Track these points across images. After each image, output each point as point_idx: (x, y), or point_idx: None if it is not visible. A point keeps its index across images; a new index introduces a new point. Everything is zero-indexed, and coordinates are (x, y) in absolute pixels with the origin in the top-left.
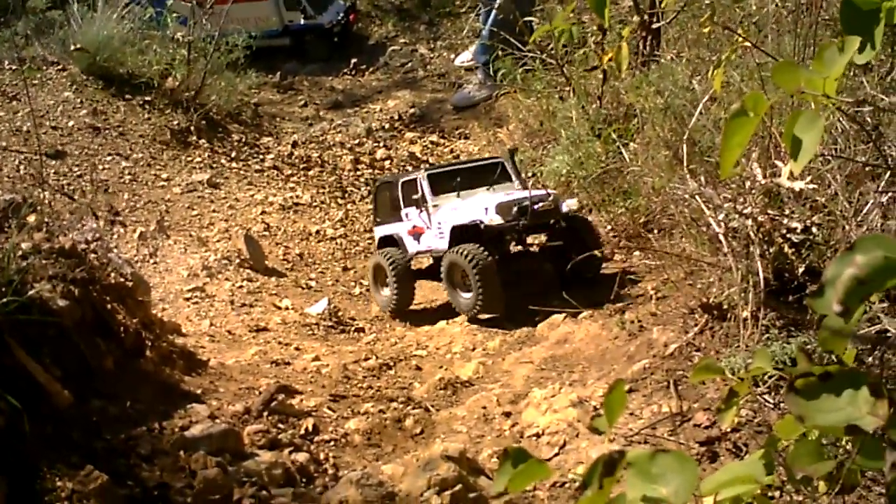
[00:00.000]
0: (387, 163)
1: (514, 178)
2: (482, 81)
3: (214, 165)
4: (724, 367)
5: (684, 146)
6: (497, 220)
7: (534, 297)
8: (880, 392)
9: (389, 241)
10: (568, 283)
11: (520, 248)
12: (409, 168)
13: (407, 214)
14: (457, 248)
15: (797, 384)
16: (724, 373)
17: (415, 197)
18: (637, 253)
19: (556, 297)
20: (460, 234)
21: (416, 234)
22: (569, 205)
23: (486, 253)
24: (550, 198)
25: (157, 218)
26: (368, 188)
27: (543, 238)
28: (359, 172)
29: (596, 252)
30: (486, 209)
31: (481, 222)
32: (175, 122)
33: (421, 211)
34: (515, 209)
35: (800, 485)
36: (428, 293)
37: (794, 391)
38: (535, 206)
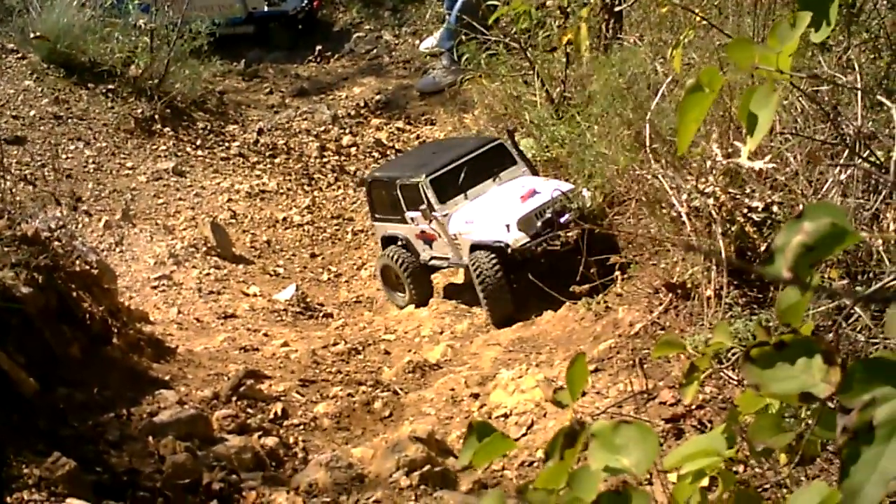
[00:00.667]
0: (353, 149)
1: (518, 160)
2: (447, 67)
3: (180, 153)
4: (689, 344)
5: (647, 127)
6: (521, 239)
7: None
8: (833, 360)
9: (394, 240)
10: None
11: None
12: (377, 156)
13: (413, 219)
14: (471, 260)
15: (752, 354)
16: (686, 348)
17: (421, 207)
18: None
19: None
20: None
21: (427, 239)
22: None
23: (496, 269)
24: (573, 202)
25: (122, 207)
26: (335, 175)
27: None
28: (325, 159)
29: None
30: (508, 226)
31: (507, 245)
32: (139, 111)
33: (430, 221)
34: (540, 223)
35: (761, 457)
36: None
37: (750, 361)
38: (562, 219)
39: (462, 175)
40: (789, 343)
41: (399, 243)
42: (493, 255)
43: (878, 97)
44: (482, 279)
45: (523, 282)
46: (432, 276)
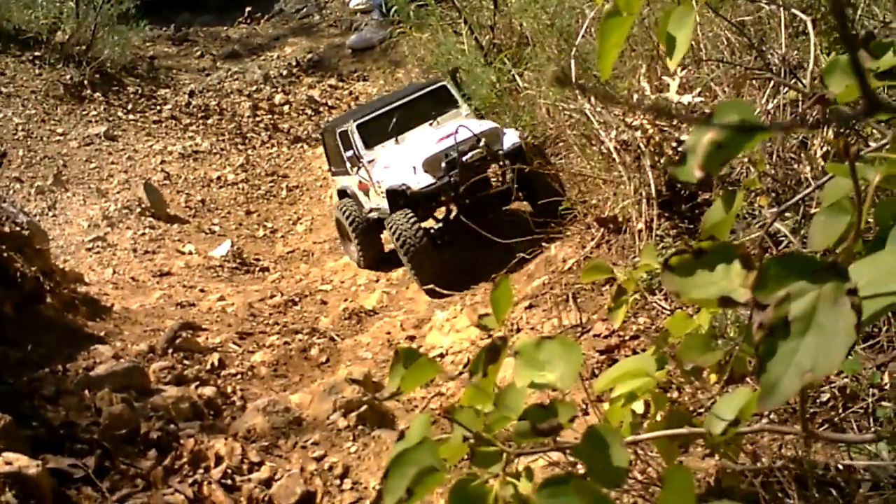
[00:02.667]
0: (286, 107)
1: (460, 102)
2: (378, 22)
3: (111, 118)
4: (618, 272)
5: (572, 63)
6: (425, 180)
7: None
8: (751, 264)
9: (345, 193)
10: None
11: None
12: (310, 113)
13: (352, 167)
14: (388, 221)
15: (672, 262)
16: (613, 272)
17: (348, 153)
18: None
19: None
20: (397, 197)
21: (364, 189)
22: (512, 138)
23: (415, 228)
24: (482, 141)
25: (53, 172)
26: (268, 133)
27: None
28: (258, 118)
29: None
30: (414, 168)
31: (407, 188)
32: (68, 77)
33: (358, 168)
34: (444, 163)
35: (691, 377)
36: (332, 231)
37: (670, 269)
38: (465, 158)
39: (394, 119)
40: (708, 250)
41: (349, 196)
42: (411, 214)
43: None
44: (402, 241)
45: (459, 240)
46: (383, 236)
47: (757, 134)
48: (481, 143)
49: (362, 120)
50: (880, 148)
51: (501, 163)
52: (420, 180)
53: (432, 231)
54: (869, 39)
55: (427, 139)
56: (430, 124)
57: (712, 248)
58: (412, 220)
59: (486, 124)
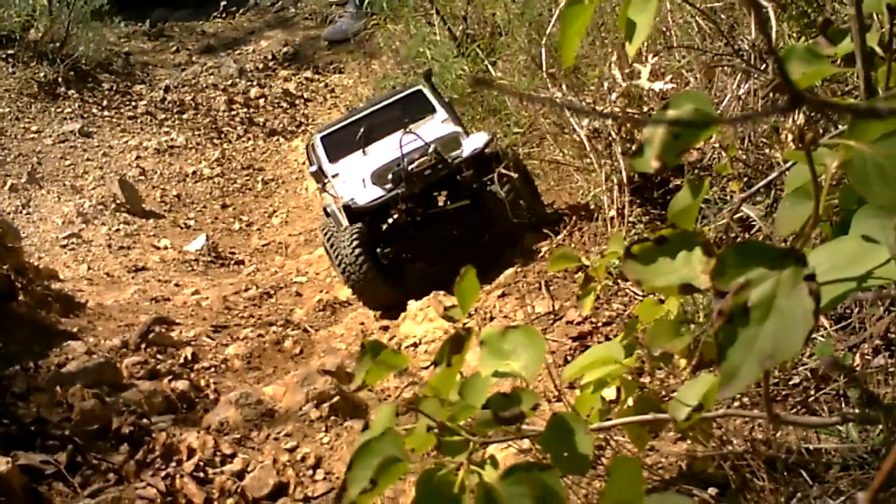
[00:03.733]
0: (261, 101)
1: (436, 106)
2: (353, 14)
3: (86, 115)
4: (588, 259)
5: (542, 51)
6: (372, 194)
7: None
8: (712, 251)
9: (328, 212)
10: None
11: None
12: (285, 106)
13: (317, 183)
14: (330, 238)
15: (634, 250)
16: (580, 260)
17: (312, 169)
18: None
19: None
20: (348, 214)
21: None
22: (475, 143)
23: (356, 253)
24: (431, 148)
25: (27, 170)
26: (244, 127)
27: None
28: (233, 112)
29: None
30: (364, 181)
31: (354, 203)
32: (42, 75)
33: (324, 183)
34: (391, 174)
35: (659, 362)
36: (308, 223)
37: (632, 257)
38: (411, 167)
39: (362, 130)
40: (669, 238)
41: (329, 215)
42: (355, 235)
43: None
44: (342, 266)
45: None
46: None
47: (712, 123)
48: (430, 150)
49: (327, 132)
50: (840, 134)
51: (462, 171)
52: (368, 194)
53: (383, 252)
54: (827, 26)
55: (388, 149)
56: (405, 131)
57: (674, 235)
58: (354, 242)
59: (446, 129)
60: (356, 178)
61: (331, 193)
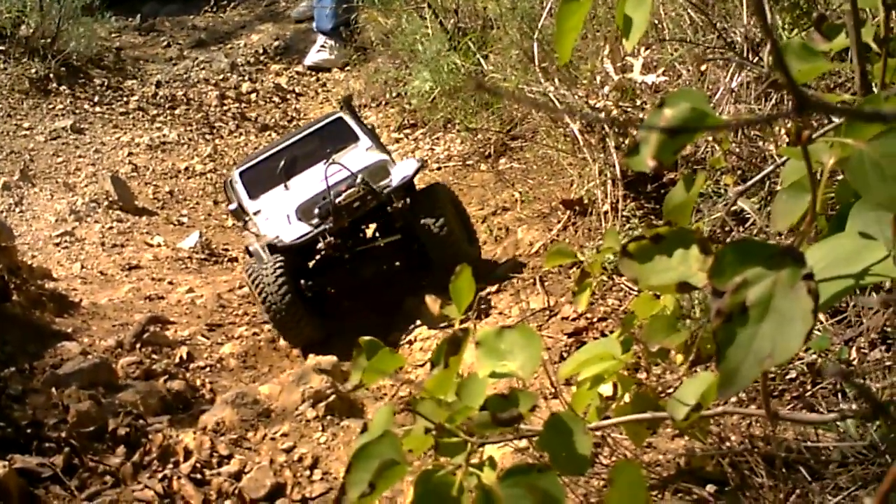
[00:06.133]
0: (253, 96)
1: (359, 134)
2: (334, 48)
3: (77, 111)
4: (583, 255)
5: (535, 45)
6: (298, 230)
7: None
8: (709, 249)
9: (250, 252)
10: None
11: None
12: (277, 101)
13: (237, 221)
14: (250, 270)
15: (630, 248)
16: (577, 256)
17: (231, 207)
18: (503, 160)
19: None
20: (273, 252)
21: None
22: (404, 171)
23: (279, 283)
24: (359, 178)
25: (20, 167)
26: (236, 122)
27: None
28: (225, 107)
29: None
30: (288, 216)
31: (280, 240)
32: (33, 71)
33: (245, 222)
34: (318, 208)
35: (657, 358)
36: None
37: (628, 255)
38: (339, 199)
39: (282, 163)
40: (666, 235)
41: (251, 255)
42: (279, 265)
43: None
44: (264, 297)
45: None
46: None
47: (707, 120)
48: (358, 181)
49: (245, 167)
50: (835, 128)
51: (392, 202)
52: (293, 231)
53: (307, 285)
54: (821, 21)
55: (312, 182)
56: (326, 162)
57: (670, 233)
58: (279, 271)
59: (372, 157)
60: (280, 215)
61: (253, 232)
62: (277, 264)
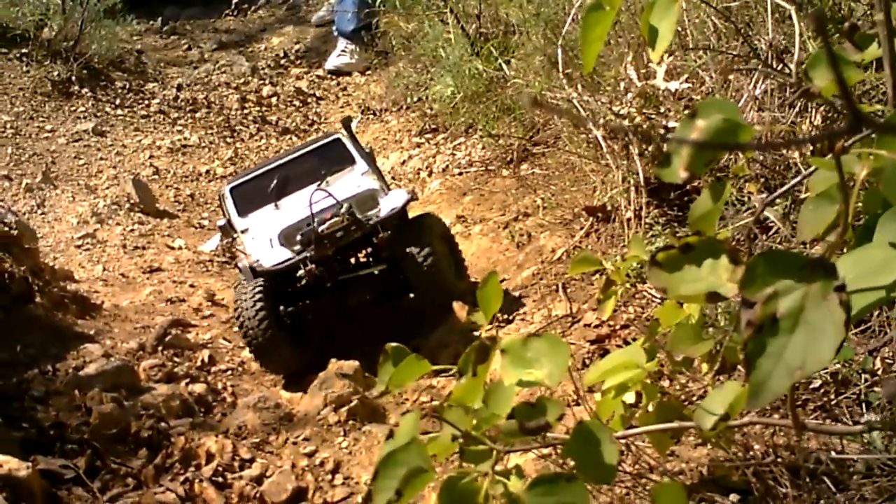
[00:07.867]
0: (273, 99)
1: (356, 157)
2: (355, 51)
3: (99, 114)
4: (606, 262)
5: (559, 52)
6: (279, 256)
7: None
8: (738, 259)
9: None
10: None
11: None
12: (297, 104)
13: (223, 239)
14: (236, 306)
15: (659, 258)
16: (601, 263)
17: (220, 222)
18: (525, 166)
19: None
20: (254, 276)
21: None
22: (393, 202)
23: (256, 308)
24: (344, 208)
25: (42, 169)
26: (257, 126)
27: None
28: (246, 111)
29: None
30: (271, 240)
31: (258, 263)
32: (55, 73)
33: (232, 239)
34: (300, 235)
35: (681, 367)
36: None
37: (657, 265)
38: (322, 228)
39: (275, 181)
40: (695, 245)
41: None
42: (258, 290)
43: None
44: (241, 323)
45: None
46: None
47: (740, 131)
48: (342, 211)
49: (237, 183)
50: (862, 139)
51: (378, 232)
52: (274, 256)
53: (286, 311)
54: (853, 31)
55: (300, 205)
56: (320, 183)
57: (699, 242)
58: (257, 296)
59: (363, 184)
60: (264, 237)
61: (240, 250)
62: (257, 289)
